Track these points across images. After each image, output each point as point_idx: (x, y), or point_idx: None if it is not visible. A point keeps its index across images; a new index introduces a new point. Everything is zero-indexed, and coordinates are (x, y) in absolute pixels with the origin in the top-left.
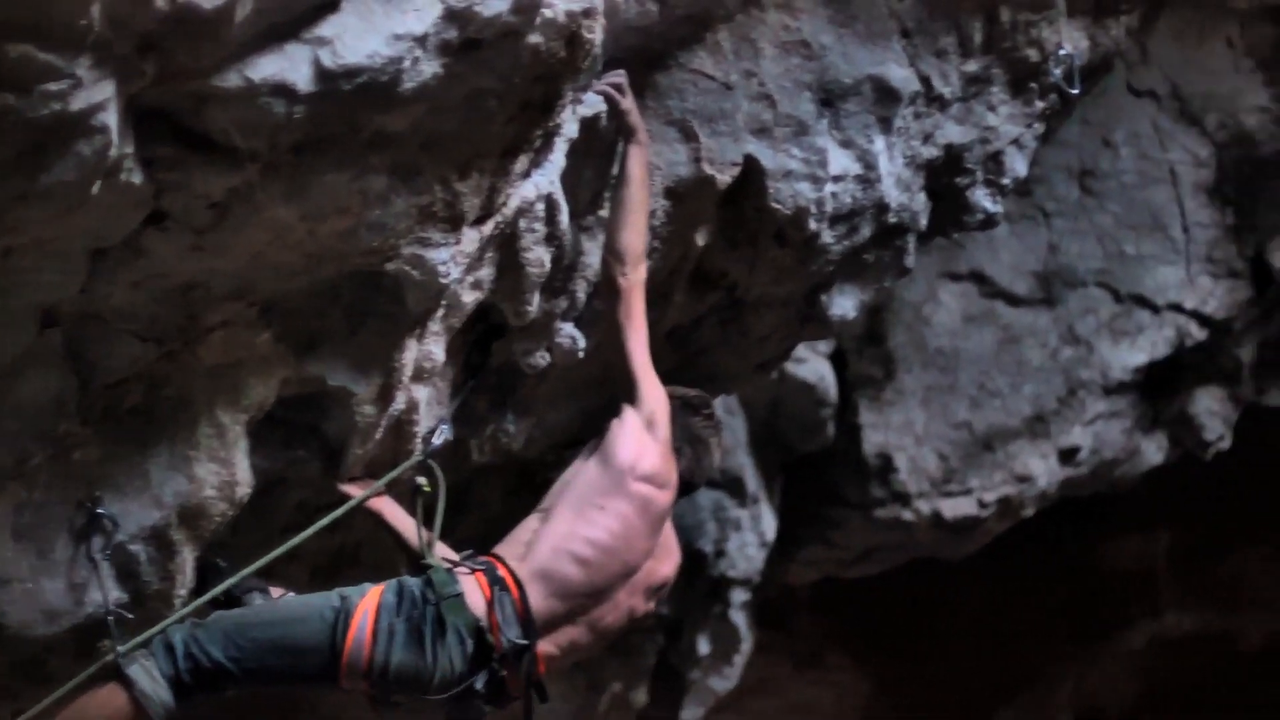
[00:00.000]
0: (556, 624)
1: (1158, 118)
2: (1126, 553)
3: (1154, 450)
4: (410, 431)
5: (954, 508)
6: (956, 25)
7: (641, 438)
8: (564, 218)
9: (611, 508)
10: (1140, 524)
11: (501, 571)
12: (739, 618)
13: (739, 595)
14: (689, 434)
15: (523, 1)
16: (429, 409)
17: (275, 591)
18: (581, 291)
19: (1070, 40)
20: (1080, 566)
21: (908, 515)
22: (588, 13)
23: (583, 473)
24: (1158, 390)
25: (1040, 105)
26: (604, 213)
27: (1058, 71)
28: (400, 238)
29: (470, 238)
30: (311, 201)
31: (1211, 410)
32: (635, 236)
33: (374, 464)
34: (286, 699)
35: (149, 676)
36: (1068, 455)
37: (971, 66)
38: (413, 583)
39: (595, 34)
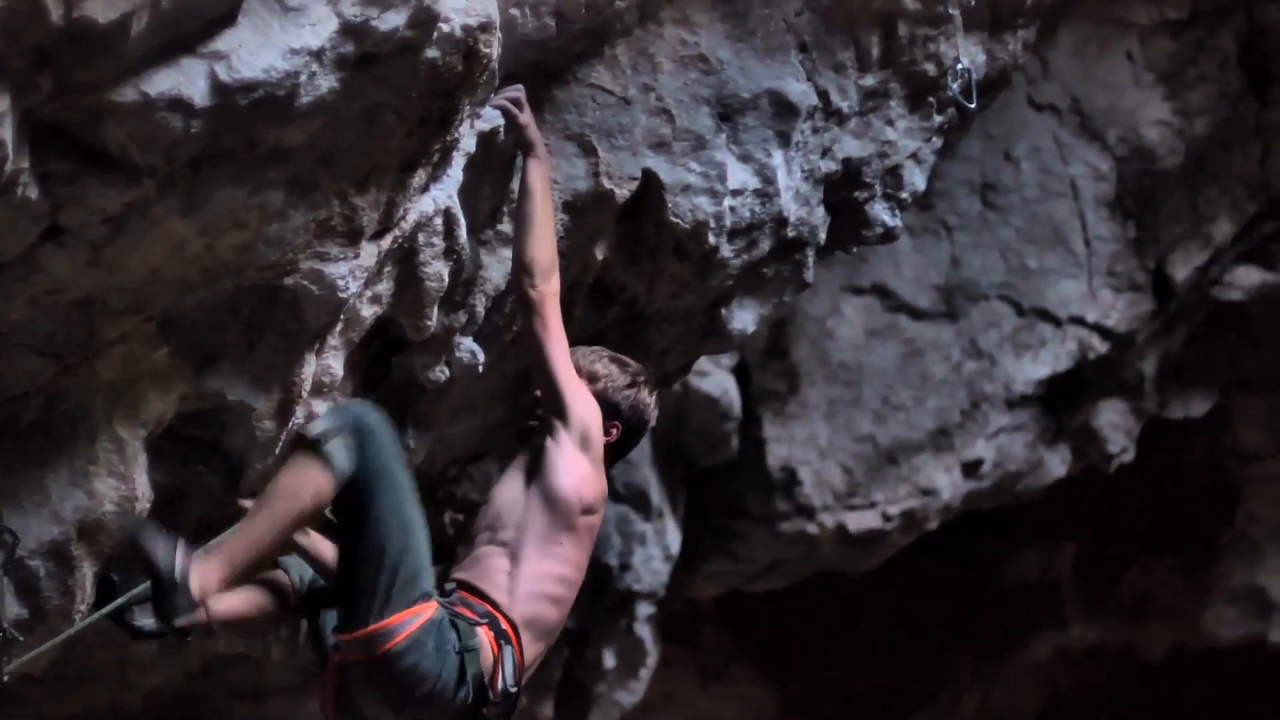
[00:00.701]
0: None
1: (1059, 132)
2: (1030, 565)
3: (1057, 463)
4: None
5: (858, 521)
6: (854, 40)
7: (578, 463)
8: (462, 232)
9: (568, 541)
10: (1044, 536)
11: (505, 626)
12: (644, 631)
13: (644, 609)
14: (630, 406)
15: (419, 16)
16: None
17: None
18: (480, 306)
19: (967, 54)
20: (984, 579)
21: (812, 529)
22: (484, 27)
23: (532, 509)
24: (1060, 403)
25: (938, 119)
26: (503, 227)
27: (955, 86)
28: (298, 252)
29: (369, 252)
30: (209, 216)
31: (1114, 423)
32: (542, 249)
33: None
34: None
35: (345, 454)
36: (971, 468)
37: (869, 81)
38: (447, 615)
39: (492, 49)
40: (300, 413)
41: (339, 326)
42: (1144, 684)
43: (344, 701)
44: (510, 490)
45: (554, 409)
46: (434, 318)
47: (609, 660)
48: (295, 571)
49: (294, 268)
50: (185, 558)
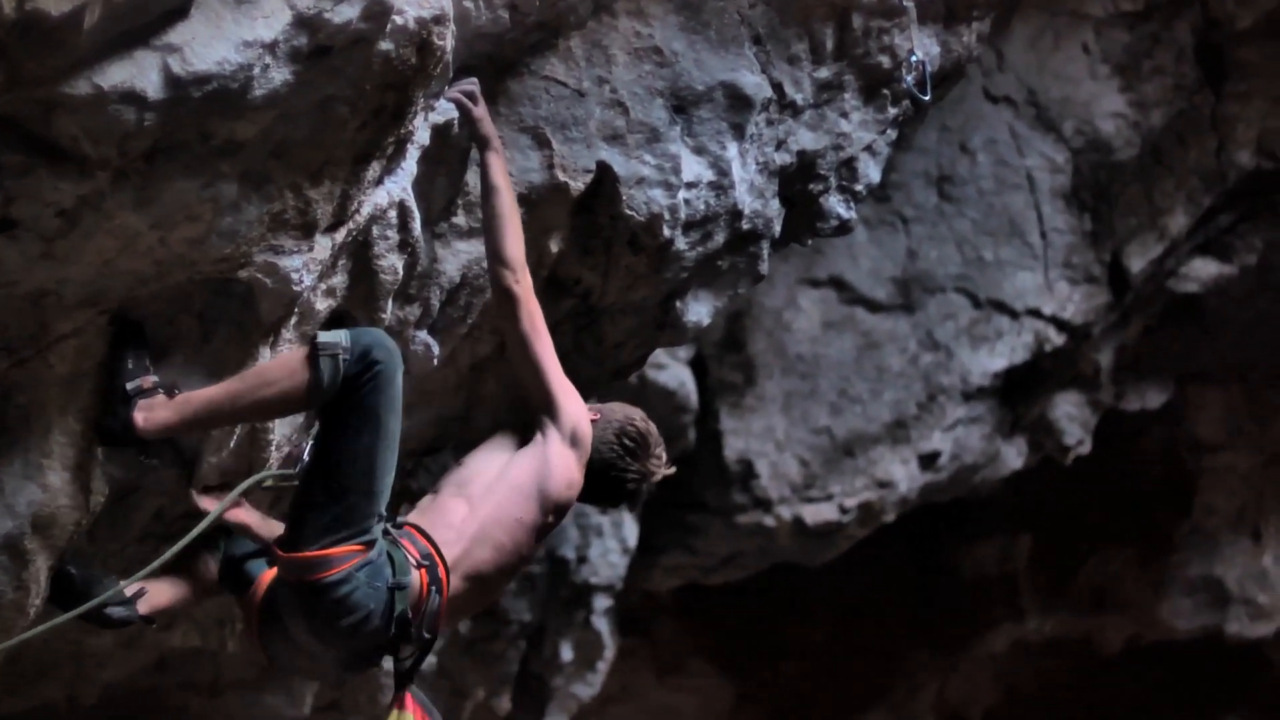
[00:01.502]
0: (456, 600)
1: (1015, 124)
2: (987, 557)
3: (1014, 455)
4: (265, 440)
5: (815, 513)
6: (808, 32)
7: (569, 466)
8: (417, 225)
9: (529, 523)
10: (1001, 528)
11: (441, 573)
12: (601, 624)
13: (601, 602)
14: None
15: (373, 8)
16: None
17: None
18: (435, 299)
19: (922, 47)
20: (942, 571)
21: (769, 521)
22: (438, 19)
23: (506, 482)
24: (1017, 395)
25: (893, 112)
26: (458, 220)
27: (910, 78)
28: (252, 245)
29: (323, 245)
30: (162, 209)
31: (1070, 415)
32: (515, 243)
33: (229, 473)
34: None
35: (331, 372)
36: (928, 460)
37: (824, 73)
38: (385, 552)
39: (446, 41)
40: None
41: (293, 320)
42: (1101, 676)
43: (269, 625)
44: (490, 460)
45: (544, 407)
46: (389, 311)
47: (566, 653)
48: (216, 555)
49: (248, 261)
50: (148, 383)
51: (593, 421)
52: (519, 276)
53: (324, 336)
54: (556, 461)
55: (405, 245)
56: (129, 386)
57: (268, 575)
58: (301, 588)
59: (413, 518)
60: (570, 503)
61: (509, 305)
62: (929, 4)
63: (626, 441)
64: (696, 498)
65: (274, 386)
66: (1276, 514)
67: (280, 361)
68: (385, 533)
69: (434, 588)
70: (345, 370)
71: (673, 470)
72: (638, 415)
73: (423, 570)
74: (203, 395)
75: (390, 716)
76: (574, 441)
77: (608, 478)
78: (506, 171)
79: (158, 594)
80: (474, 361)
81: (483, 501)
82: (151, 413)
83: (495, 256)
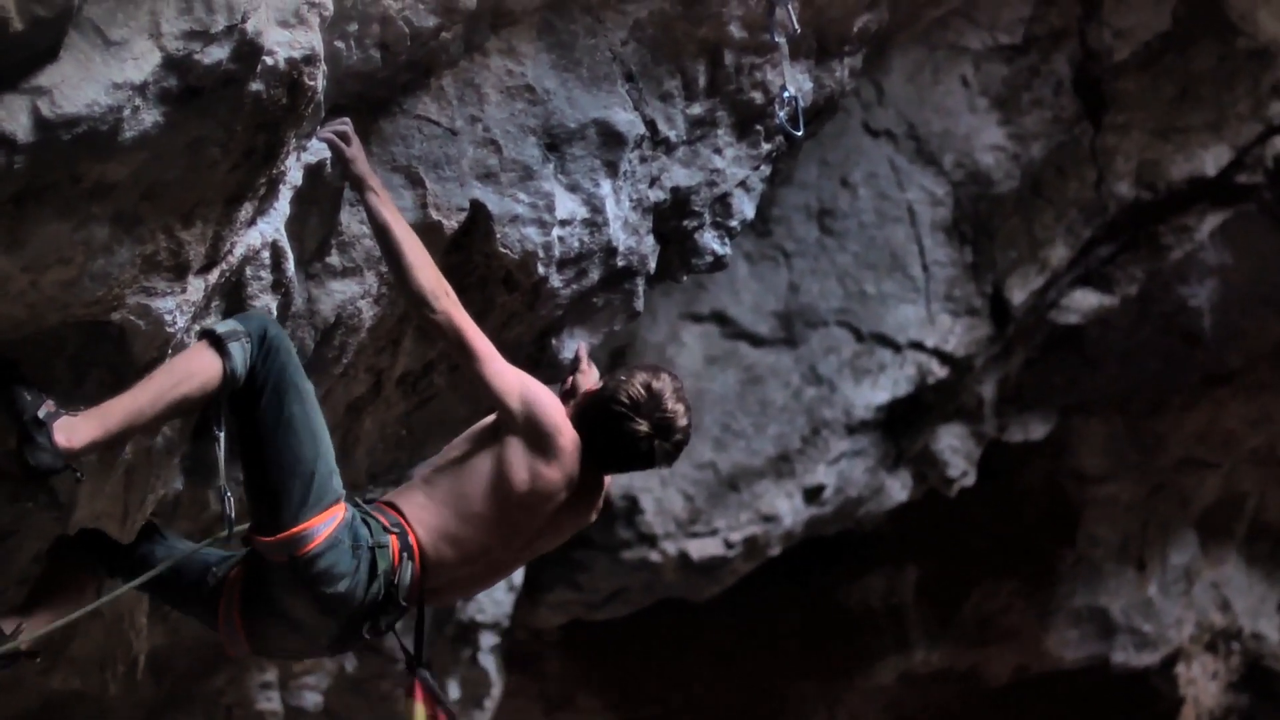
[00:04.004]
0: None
1: (895, 157)
2: (874, 589)
3: (898, 488)
4: (142, 482)
5: (701, 548)
6: (680, 69)
7: (526, 465)
8: (290, 265)
9: (490, 517)
10: (887, 561)
11: (411, 540)
12: (488, 661)
13: (488, 639)
14: (603, 397)
15: (243, 49)
16: (162, 460)
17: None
18: (310, 339)
19: (794, 82)
20: (828, 603)
21: (655, 556)
22: (309, 60)
23: (471, 470)
24: (900, 428)
25: (766, 147)
26: (331, 260)
27: (783, 113)
28: (125, 287)
29: (196, 286)
30: (33, 252)
31: (954, 447)
32: (422, 274)
33: (103, 516)
34: None
35: (242, 355)
36: (812, 494)
37: (696, 109)
38: (358, 512)
39: (317, 81)
40: (128, 449)
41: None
42: (989, 707)
43: (254, 613)
44: (459, 449)
45: (501, 415)
46: None
47: (453, 691)
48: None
49: (120, 303)
50: (52, 407)
51: (594, 391)
52: (436, 306)
53: (220, 327)
54: (516, 467)
55: (279, 285)
56: (39, 414)
57: (234, 572)
58: (293, 564)
59: (386, 496)
60: (541, 491)
61: (437, 335)
62: (801, 40)
63: (625, 399)
64: (582, 534)
65: (192, 380)
66: (1160, 544)
67: (185, 359)
68: (355, 503)
69: (405, 554)
70: (253, 354)
71: (685, 424)
72: (647, 372)
73: (393, 536)
74: (121, 405)
75: (406, 706)
76: (534, 440)
77: (619, 438)
78: (390, 203)
79: (35, 623)
80: (350, 401)
81: (444, 491)
82: (73, 432)
83: (407, 295)
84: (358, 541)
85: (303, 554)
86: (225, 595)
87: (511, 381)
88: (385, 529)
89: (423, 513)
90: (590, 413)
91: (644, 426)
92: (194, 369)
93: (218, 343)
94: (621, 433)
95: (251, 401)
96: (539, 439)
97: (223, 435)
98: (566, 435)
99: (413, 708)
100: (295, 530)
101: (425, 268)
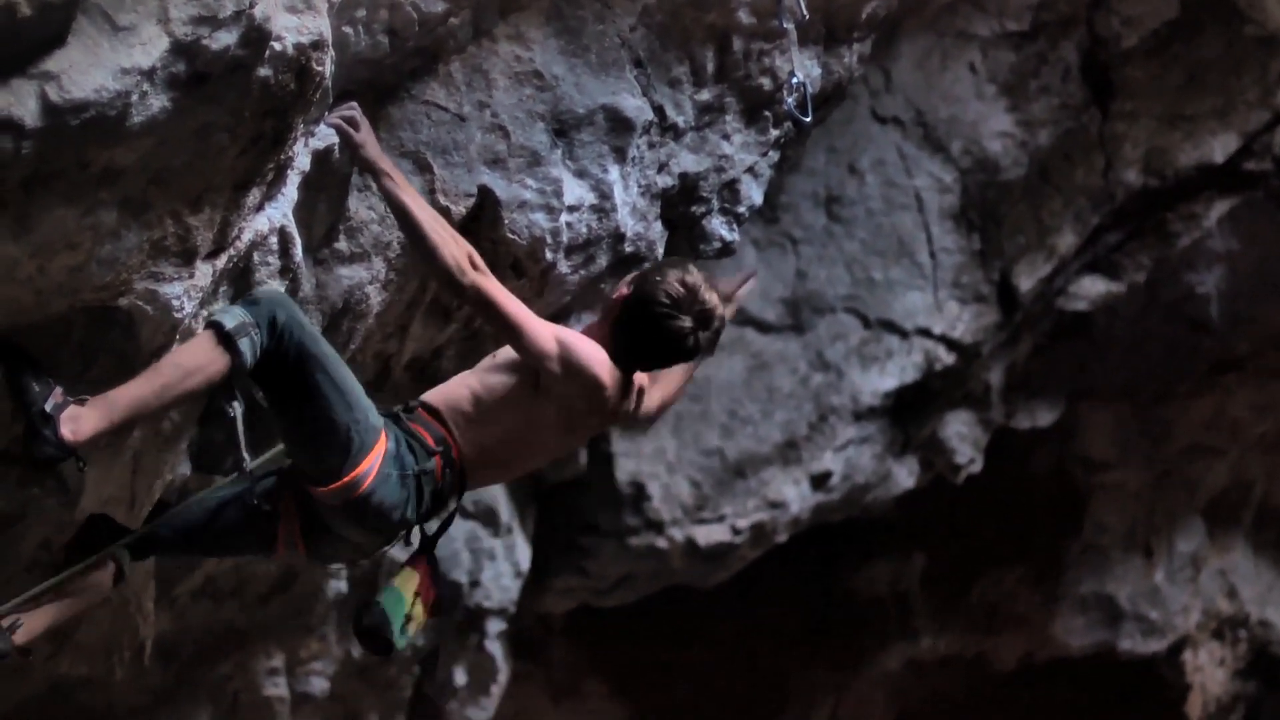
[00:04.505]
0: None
1: (903, 144)
2: (880, 576)
3: (905, 474)
4: (149, 468)
5: (707, 535)
6: (689, 55)
7: (572, 412)
8: (298, 250)
9: (535, 441)
10: (893, 548)
11: (455, 456)
12: (495, 648)
13: (494, 625)
14: (640, 287)
15: (251, 35)
16: (168, 445)
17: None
18: (318, 325)
19: (802, 68)
20: (835, 591)
21: (661, 543)
22: (317, 45)
23: (518, 408)
24: (908, 415)
25: (774, 133)
26: (340, 245)
27: (791, 100)
28: (133, 272)
29: (204, 272)
30: (41, 237)
31: (961, 434)
32: (445, 250)
33: (111, 502)
34: None
35: (251, 348)
36: (819, 481)
37: (705, 95)
38: (402, 438)
39: (325, 67)
40: (136, 435)
41: (175, 347)
42: (995, 694)
43: (314, 538)
44: (503, 381)
45: (545, 378)
46: None
47: (459, 678)
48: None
49: (128, 288)
50: (59, 397)
51: (627, 295)
52: (463, 282)
53: (228, 321)
54: (555, 406)
55: (286, 271)
56: (46, 406)
57: (286, 504)
58: (348, 506)
59: (426, 396)
60: (587, 427)
61: (472, 305)
62: (809, 26)
63: (666, 298)
64: (588, 520)
65: (199, 374)
66: (1167, 531)
67: (192, 350)
68: (397, 419)
69: (448, 469)
70: (263, 344)
71: (721, 311)
72: (676, 268)
73: (437, 457)
74: (126, 395)
75: (401, 573)
76: (578, 391)
77: (665, 337)
78: (406, 185)
79: (35, 621)
80: None
81: (486, 413)
82: (79, 424)
83: (435, 275)
84: (404, 470)
85: (356, 497)
86: (285, 523)
87: (548, 345)
88: (430, 450)
89: (468, 430)
90: (628, 317)
91: (688, 322)
92: (201, 364)
93: (227, 339)
94: (667, 332)
95: (277, 381)
96: (584, 392)
97: (240, 408)
98: (607, 376)
99: (408, 575)
100: (346, 480)
101: (447, 243)
